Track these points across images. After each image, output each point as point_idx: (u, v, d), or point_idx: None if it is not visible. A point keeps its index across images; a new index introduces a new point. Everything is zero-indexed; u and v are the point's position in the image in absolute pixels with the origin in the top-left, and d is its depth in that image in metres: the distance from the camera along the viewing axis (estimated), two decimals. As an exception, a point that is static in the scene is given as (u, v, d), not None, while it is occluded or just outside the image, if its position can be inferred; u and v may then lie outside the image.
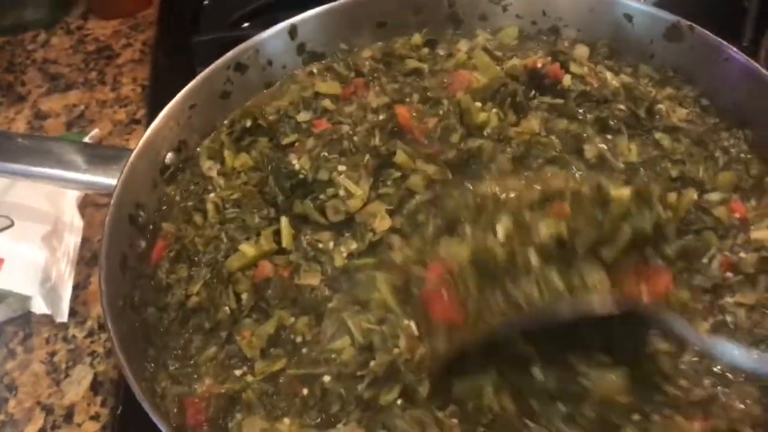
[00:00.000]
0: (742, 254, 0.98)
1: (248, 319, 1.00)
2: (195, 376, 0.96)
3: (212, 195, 1.13)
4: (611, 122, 1.13)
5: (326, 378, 0.91)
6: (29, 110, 1.68)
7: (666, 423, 0.86)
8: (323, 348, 0.94)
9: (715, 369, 0.90)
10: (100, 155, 1.18)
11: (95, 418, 1.17)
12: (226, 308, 1.00)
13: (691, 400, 0.88)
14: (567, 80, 1.17)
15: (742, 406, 0.87)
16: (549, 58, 1.19)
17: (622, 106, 1.15)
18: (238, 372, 0.96)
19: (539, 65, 1.18)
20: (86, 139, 1.55)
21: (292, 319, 0.98)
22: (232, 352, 0.98)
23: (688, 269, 0.97)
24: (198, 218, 1.11)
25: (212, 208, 1.10)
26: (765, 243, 0.99)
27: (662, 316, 0.85)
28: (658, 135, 1.13)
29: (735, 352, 0.85)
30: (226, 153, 1.18)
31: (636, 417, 0.86)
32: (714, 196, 1.04)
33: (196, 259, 1.06)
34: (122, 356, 0.89)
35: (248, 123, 1.20)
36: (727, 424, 0.86)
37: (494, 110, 1.15)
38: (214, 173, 1.16)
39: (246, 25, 1.78)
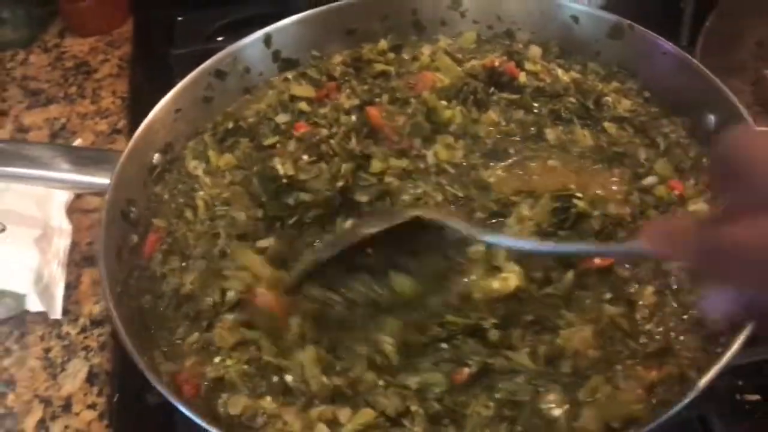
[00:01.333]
0: None
1: (230, 314, 1.06)
2: (183, 357, 1.04)
3: (201, 192, 1.22)
4: (564, 113, 1.25)
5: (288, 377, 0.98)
6: (11, 124, 1.74)
7: (628, 373, 0.96)
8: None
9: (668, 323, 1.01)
10: (89, 157, 1.25)
11: (92, 407, 1.23)
12: (209, 299, 1.07)
13: (648, 352, 0.98)
14: (522, 77, 1.29)
15: (689, 354, 0.98)
16: (505, 57, 1.31)
17: (572, 99, 1.27)
18: (216, 359, 1.03)
19: (496, 64, 1.30)
20: (70, 149, 1.61)
21: None
22: (210, 340, 1.04)
23: None
24: (189, 214, 1.19)
25: (202, 204, 1.19)
26: (701, 215, 1.10)
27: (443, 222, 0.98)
28: (606, 124, 1.25)
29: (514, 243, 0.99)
30: (211, 153, 1.27)
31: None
32: (652, 179, 1.16)
33: (188, 252, 1.15)
34: (123, 330, 0.97)
35: (230, 125, 1.29)
36: (678, 370, 0.96)
37: (458, 107, 1.27)
38: (200, 172, 1.25)
39: (220, 39, 1.87)
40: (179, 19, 1.94)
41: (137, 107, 1.70)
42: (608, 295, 1.04)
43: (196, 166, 1.26)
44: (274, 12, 1.77)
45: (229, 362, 1.01)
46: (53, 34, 1.98)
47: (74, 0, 1.92)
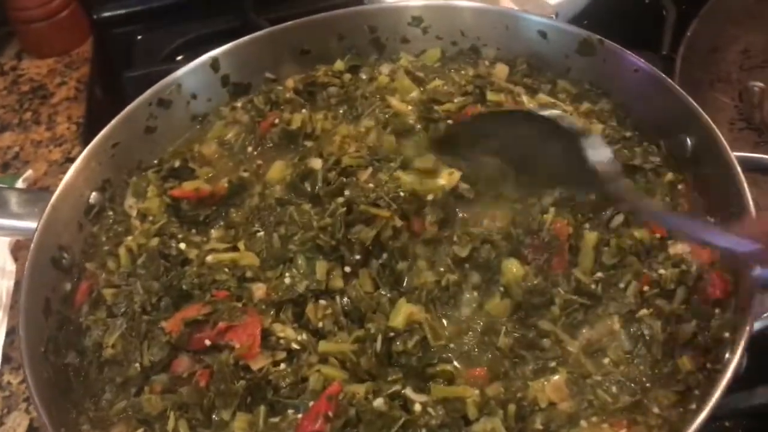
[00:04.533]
0: (662, 271, 0.99)
1: (161, 375, 0.98)
2: (110, 423, 0.96)
3: (129, 239, 1.13)
4: None
5: None
6: (-38, 154, 1.67)
7: (593, 431, 0.88)
8: None
9: (637, 376, 0.92)
10: (25, 199, 1.18)
11: (30, 465, 1.16)
12: (137, 365, 0.98)
13: (618, 407, 0.90)
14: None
15: (661, 411, 0.89)
16: (470, 100, 1.22)
17: None
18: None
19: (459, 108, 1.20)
20: (20, 181, 1.54)
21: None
22: (138, 406, 0.96)
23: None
24: (111, 263, 1.11)
25: (124, 254, 1.10)
26: (683, 256, 1.00)
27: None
28: None
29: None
30: (150, 190, 1.18)
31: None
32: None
33: (112, 307, 1.06)
34: (40, 405, 0.89)
35: (177, 163, 1.21)
36: (647, 430, 0.88)
37: None
38: (134, 212, 1.16)
39: (180, 58, 1.78)
40: (139, 37, 1.86)
41: (92, 134, 1.60)
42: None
43: (131, 205, 1.18)
44: (235, 28, 1.71)
45: None
46: (9, 56, 1.91)
47: (31, 20, 1.84)
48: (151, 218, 1.14)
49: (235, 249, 1.08)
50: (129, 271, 1.08)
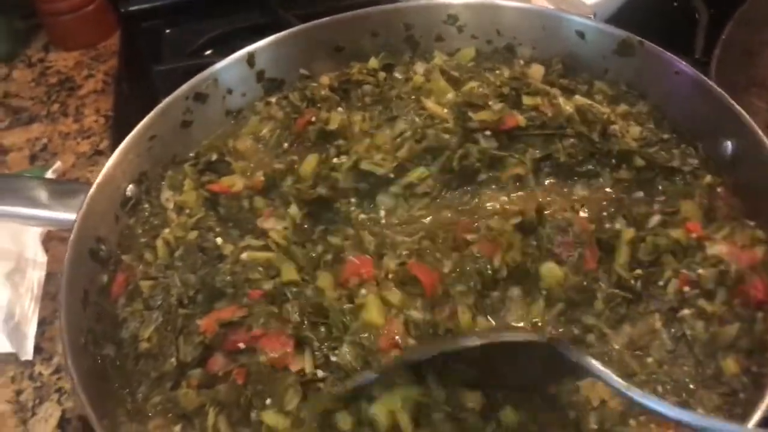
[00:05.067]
0: (701, 271, 0.99)
1: (197, 370, 0.98)
2: (147, 416, 0.96)
3: (166, 231, 1.12)
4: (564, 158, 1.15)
5: None
6: (-8, 145, 1.67)
7: (641, 430, 0.88)
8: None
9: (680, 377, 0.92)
10: (59, 191, 1.17)
11: (62, 456, 1.16)
12: (173, 359, 0.98)
13: None
14: (522, 121, 1.17)
15: (704, 412, 0.88)
16: (504, 108, 1.19)
17: (575, 136, 1.16)
18: (177, 427, 0.95)
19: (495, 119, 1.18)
20: (49, 173, 1.54)
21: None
22: (174, 400, 0.96)
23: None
24: (149, 255, 1.11)
25: (162, 246, 1.10)
26: (722, 257, 0.99)
27: (586, 362, 0.83)
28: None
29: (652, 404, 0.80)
30: (187, 183, 1.18)
31: None
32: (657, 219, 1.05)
33: (148, 299, 1.06)
34: (83, 396, 0.89)
35: (214, 157, 1.21)
36: None
37: None
38: (171, 205, 1.16)
39: (208, 52, 1.78)
40: (167, 31, 1.86)
41: (121, 127, 1.62)
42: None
43: (168, 198, 1.18)
44: (263, 24, 1.71)
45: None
46: (37, 48, 1.91)
47: (58, 13, 1.84)
48: (188, 211, 1.14)
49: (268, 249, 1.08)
50: (166, 263, 1.08)
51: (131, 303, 1.06)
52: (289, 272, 1.02)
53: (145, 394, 0.98)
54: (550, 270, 1.01)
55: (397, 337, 0.95)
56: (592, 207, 1.11)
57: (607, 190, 1.14)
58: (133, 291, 1.06)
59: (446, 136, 1.17)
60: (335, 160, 1.17)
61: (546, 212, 1.08)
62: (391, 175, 1.14)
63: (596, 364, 0.82)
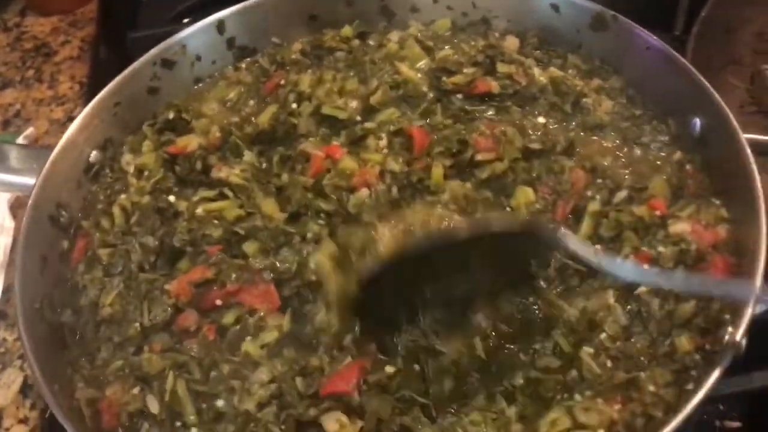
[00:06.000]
0: (661, 248, 0.98)
1: (161, 334, 0.98)
2: (105, 382, 0.95)
3: (122, 197, 1.12)
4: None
5: (220, 402, 0.91)
6: (-37, 110, 1.65)
7: (587, 404, 0.88)
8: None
9: (633, 353, 0.92)
10: (27, 155, 1.17)
11: (24, 421, 1.16)
12: (137, 324, 0.98)
13: (613, 383, 0.89)
14: (495, 88, 1.17)
15: (653, 388, 0.88)
16: (478, 71, 1.19)
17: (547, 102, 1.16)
18: (135, 390, 0.94)
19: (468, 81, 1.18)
20: (20, 139, 1.52)
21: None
22: (136, 365, 0.96)
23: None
24: (105, 223, 1.10)
25: (118, 213, 1.09)
26: (684, 236, 0.98)
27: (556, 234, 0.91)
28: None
29: (625, 266, 0.91)
30: (146, 145, 1.17)
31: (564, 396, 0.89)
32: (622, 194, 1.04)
33: (107, 266, 1.05)
34: (33, 360, 0.88)
35: (171, 115, 1.19)
36: (642, 408, 0.87)
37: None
38: (131, 169, 1.15)
39: (186, 20, 1.75)
40: (145, -1, 1.83)
41: (95, 93, 1.59)
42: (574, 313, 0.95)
43: (129, 161, 1.17)
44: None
45: (150, 396, 0.92)
46: (14, 13, 1.88)
47: (36, -23, 1.82)
48: (146, 173, 1.13)
49: (224, 197, 1.08)
50: (123, 229, 1.07)
51: (90, 270, 1.05)
52: (233, 211, 1.04)
53: (105, 360, 0.97)
54: (524, 192, 1.04)
55: (368, 178, 1.04)
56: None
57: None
58: (92, 258, 1.06)
59: (425, 89, 1.18)
60: (294, 105, 1.16)
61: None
62: (358, 118, 1.14)
63: (573, 237, 0.90)
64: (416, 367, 0.93)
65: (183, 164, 1.12)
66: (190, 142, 1.14)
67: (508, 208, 1.04)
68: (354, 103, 1.15)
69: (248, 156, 1.12)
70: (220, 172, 1.09)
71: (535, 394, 0.90)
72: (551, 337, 0.94)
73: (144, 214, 1.07)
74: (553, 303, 0.96)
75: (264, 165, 1.12)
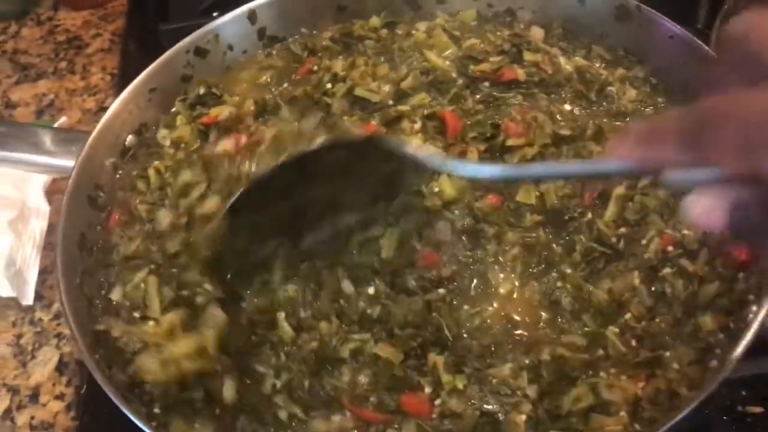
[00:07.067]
0: (685, 231, 1.00)
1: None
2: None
3: (157, 162, 1.16)
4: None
5: None
6: (-1, 100, 1.70)
7: (612, 382, 0.90)
8: None
9: (658, 333, 0.93)
10: (62, 139, 1.20)
11: (60, 397, 1.19)
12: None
13: (637, 361, 0.91)
14: (521, 75, 1.20)
15: (680, 367, 0.90)
16: (505, 59, 1.22)
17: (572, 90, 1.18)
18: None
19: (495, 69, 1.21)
20: (54, 127, 1.56)
21: None
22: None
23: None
24: (141, 185, 1.15)
25: (153, 174, 1.14)
26: None
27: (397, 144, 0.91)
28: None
29: (469, 166, 0.91)
30: (178, 119, 1.21)
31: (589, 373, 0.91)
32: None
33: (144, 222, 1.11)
34: (77, 332, 0.92)
35: (202, 90, 1.24)
36: (667, 385, 0.89)
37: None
38: (167, 142, 1.19)
39: (216, 14, 1.78)
40: (175, -9, 1.86)
41: (126, 84, 1.63)
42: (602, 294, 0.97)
43: (165, 135, 1.21)
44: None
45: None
46: (47, 7, 1.93)
47: (68, -29, 1.86)
48: (183, 145, 1.18)
49: None
50: (159, 185, 1.12)
51: (125, 230, 1.11)
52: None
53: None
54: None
55: None
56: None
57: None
58: (129, 221, 1.11)
59: (453, 75, 1.21)
60: (329, 86, 1.19)
61: None
62: (390, 102, 1.17)
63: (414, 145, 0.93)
64: None
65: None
66: (222, 111, 1.17)
67: (536, 193, 1.05)
68: (387, 87, 1.18)
69: (285, 111, 1.15)
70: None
71: (560, 371, 0.91)
72: (581, 319, 0.96)
73: (178, 167, 1.12)
74: (581, 286, 0.98)
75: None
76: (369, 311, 0.96)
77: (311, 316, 0.96)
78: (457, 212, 1.03)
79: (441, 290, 0.98)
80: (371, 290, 0.97)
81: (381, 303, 0.96)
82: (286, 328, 0.95)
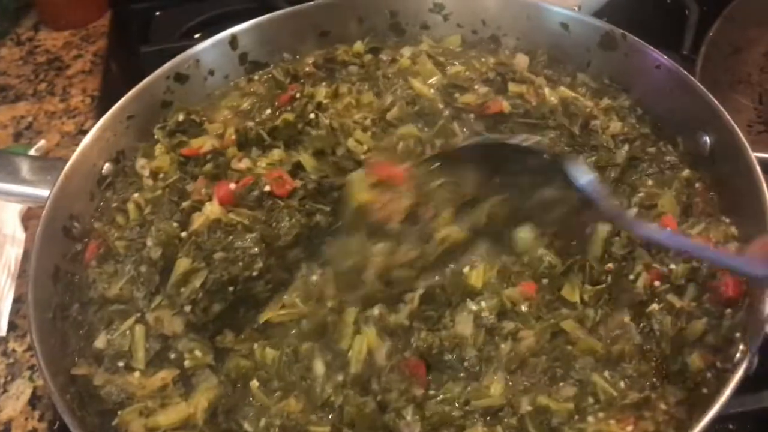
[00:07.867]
0: (672, 266, 0.99)
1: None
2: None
3: (136, 195, 1.13)
4: None
5: None
6: (-24, 122, 1.66)
7: (600, 427, 0.88)
8: None
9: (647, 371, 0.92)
10: (40, 167, 1.17)
11: (32, 432, 1.16)
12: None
13: (624, 404, 0.89)
14: (506, 107, 1.18)
15: (668, 407, 0.88)
16: (491, 91, 1.21)
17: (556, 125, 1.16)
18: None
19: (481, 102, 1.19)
20: (32, 151, 1.53)
21: None
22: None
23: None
24: (120, 218, 1.12)
25: (133, 208, 1.11)
26: None
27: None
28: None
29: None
30: (158, 148, 1.19)
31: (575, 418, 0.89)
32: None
33: (120, 259, 1.07)
34: (46, 371, 0.89)
35: (181, 117, 1.21)
36: (655, 427, 0.87)
37: None
38: (146, 172, 1.16)
39: (197, 36, 1.77)
40: (157, 14, 1.85)
41: (107, 107, 1.61)
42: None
43: (143, 165, 1.18)
44: (254, 8, 1.70)
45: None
46: (27, 27, 1.90)
47: (49, -9, 1.84)
48: (162, 175, 1.15)
49: None
50: (139, 222, 1.09)
51: (102, 265, 1.07)
52: None
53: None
54: (526, 233, 1.04)
55: None
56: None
57: None
58: (105, 254, 1.08)
59: (440, 106, 1.19)
60: (311, 116, 1.17)
61: None
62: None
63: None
64: None
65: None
66: (205, 143, 1.15)
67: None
68: (369, 117, 1.16)
69: (278, 153, 1.13)
70: (240, 163, 1.10)
71: (546, 423, 0.89)
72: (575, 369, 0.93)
73: (157, 204, 1.09)
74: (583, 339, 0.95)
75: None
76: (332, 399, 0.93)
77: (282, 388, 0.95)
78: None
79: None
80: (340, 377, 0.95)
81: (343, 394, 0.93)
82: (260, 396, 0.95)
